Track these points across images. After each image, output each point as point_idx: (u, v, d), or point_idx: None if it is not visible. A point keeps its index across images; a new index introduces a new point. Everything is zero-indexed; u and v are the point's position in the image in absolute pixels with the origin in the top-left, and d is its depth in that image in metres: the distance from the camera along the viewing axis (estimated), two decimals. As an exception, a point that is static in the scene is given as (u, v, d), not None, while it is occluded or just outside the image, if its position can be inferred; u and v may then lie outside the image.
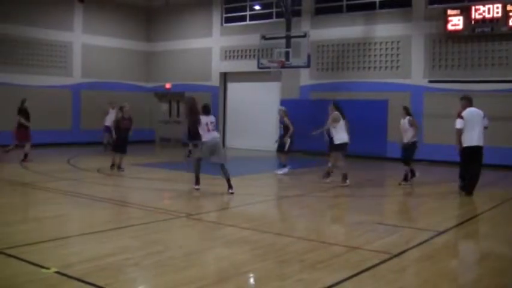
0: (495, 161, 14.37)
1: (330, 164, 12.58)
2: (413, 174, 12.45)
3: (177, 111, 24.74)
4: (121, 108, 13.97)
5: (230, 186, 10.46)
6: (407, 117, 12.27)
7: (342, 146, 12.23)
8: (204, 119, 10.77)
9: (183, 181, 12.58)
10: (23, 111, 16.15)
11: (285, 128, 14.34)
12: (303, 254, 6.17)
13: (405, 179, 12.34)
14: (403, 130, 12.29)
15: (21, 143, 16.00)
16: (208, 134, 10.66)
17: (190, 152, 17.29)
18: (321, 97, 19.48)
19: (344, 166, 12.22)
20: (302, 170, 15.36)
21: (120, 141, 13.59)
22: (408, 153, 12.36)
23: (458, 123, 10.84)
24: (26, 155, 15.72)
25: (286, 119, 14.31)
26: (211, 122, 10.75)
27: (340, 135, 12.18)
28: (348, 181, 11.96)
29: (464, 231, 7.94)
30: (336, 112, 12.28)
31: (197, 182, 10.74)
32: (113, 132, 13.73)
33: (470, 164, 10.88)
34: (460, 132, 10.81)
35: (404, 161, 12.51)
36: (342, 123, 12.21)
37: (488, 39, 16.59)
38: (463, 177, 11.17)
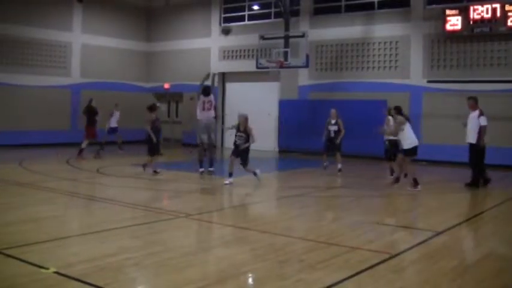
0: (495, 161, 14.38)
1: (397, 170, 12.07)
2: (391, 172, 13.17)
3: (176, 112, 24.74)
4: (154, 108, 13.30)
5: (211, 165, 11.08)
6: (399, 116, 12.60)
7: (412, 150, 11.63)
8: (202, 98, 11.01)
9: (183, 181, 12.58)
10: (91, 110, 16.84)
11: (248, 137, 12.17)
12: (303, 254, 6.17)
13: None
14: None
15: (93, 140, 16.87)
16: (202, 113, 10.89)
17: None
18: (320, 97, 19.51)
19: (412, 170, 11.72)
20: (302, 170, 15.36)
21: (157, 142, 13.10)
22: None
23: (485, 120, 11.60)
24: (81, 151, 16.43)
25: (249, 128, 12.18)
26: (208, 101, 10.89)
27: (409, 139, 11.59)
28: (419, 186, 11.45)
29: (464, 231, 7.94)
30: (400, 116, 11.66)
31: (201, 165, 10.99)
32: (152, 135, 12.93)
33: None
34: (486, 129, 11.44)
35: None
36: (408, 126, 11.61)
37: (486, 39, 16.61)
38: (483, 173, 11.85)
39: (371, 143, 18.26)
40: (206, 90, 11.29)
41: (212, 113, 11.08)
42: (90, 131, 16.79)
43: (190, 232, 7.52)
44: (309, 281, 5.18)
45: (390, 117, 12.67)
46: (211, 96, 11.17)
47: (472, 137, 11.74)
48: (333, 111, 14.71)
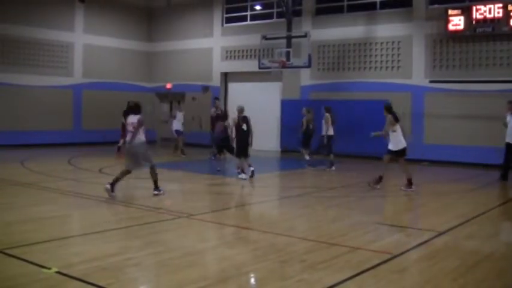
0: (496, 161, 14.35)
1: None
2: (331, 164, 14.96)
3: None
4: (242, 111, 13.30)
5: (155, 187, 10.02)
6: (326, 114, 15.07)
7: (398, 152, 11.32)
8: (129, 118, 9.84)
9: (184, 181, 12.59)
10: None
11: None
12: (304, 254, 6.17)
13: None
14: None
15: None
16: (128, 137, 9.77)
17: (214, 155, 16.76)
18: (322, 97, 19.50)
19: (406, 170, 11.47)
20: (303, 170, 15.35)
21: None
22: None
23: None
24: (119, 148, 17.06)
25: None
26: (131, 123, 9.65)
27: (400, 141, 11.29)
28: (413, 187, 11.28)
29: (465, 232, 7.92)
30: (389, 115, 11.32)
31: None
32: (233, 136, 13.07)
33: None
34: None
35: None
36: (399, 127, 11.31)
37: (489, 39, 16.58)
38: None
39: (372, 143, 18.27)
40: (134, 109, 9.87)
41: (136, 137, 9.55)
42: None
43: (191, 232, 7.52)
44: (310, 281, 5.18)
45: (328, 115, 15.10)
46: (136, 118, 9.59)
47: None
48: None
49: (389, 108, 11.44)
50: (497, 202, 10.47)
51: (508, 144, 13.16)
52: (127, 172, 9.83)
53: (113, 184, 9.56)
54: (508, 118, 13.13)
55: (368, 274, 5.42)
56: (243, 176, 12.43)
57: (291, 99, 20.64)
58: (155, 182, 9.99)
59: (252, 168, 12.46)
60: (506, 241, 7.28)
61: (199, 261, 5.98)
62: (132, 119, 9.73)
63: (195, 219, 8.16)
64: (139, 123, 9.65)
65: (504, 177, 13.17)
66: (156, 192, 9.98)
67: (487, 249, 6.79)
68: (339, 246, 6.53)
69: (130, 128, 9.66)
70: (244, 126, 12.51)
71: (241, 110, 12.71)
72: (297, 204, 10.00)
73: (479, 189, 12.20)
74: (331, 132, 15.17)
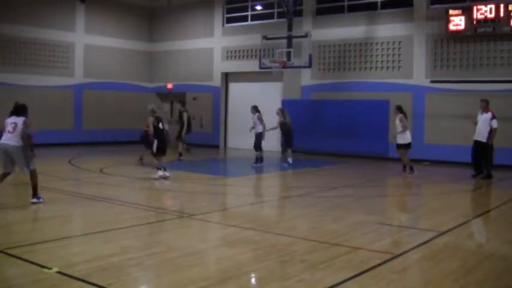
0: (496, 161, 14.34)
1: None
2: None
3: (179, 112, 24.72)
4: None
5: (34, 194, 9.09)
6: (257, 113, 15.93)
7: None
8: (10, 119, 9.15)
9: (185, 181, 12.59)
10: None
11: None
12: (305, 254, 6.17)
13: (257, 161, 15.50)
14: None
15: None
16: (3, 137, 9.01)
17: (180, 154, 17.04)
18: (323, 97, 19.50)
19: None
20: (304, 170, 15.36)
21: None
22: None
23: (496, 123, 13.05)
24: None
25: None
26: (11, 123, 8.98)
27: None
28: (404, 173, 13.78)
29: (466, 232, 7.93)
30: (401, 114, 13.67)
31: None
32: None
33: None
34: (496, 131, 13.05)
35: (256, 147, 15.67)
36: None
37: (490, 39, 16.57)
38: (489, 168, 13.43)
39: (373, 143, 18.29)
40: (16, 110, 9.16)
41: (10, 136, 8.84)
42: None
43: (192, 232, 7.53)
44: (311, 281, 5.18)
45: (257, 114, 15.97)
46: (19, 119, 8.96)
47: (482, 136, 13.14)
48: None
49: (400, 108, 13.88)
50: (498, 202, 10.46)
51: (476, 142, 13.42)
52: (5, 175, 9.09)
53: None
54: (479, 116, 13.35)
55: (369, 274, 5.42)
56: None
57: (291, 99, 20.64)
58: (34, 189, 9.06)
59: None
60: (507, 241, 7.27)
61: (200, 261, 5.99)
62: (14, 119, 9.03)
63: (195, 219, 8.17)
64: (25, 126, 8.93)
65: (479, 173, 13.49)
66: (34, 200, 9.00)
67: (488, 249, 6.80)
68: (340, 247, 6.53)
69: (9, 127, 8.89)
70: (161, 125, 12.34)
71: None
72: (297, 204, 10.00)
73: (479, 189, 12.19)
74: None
